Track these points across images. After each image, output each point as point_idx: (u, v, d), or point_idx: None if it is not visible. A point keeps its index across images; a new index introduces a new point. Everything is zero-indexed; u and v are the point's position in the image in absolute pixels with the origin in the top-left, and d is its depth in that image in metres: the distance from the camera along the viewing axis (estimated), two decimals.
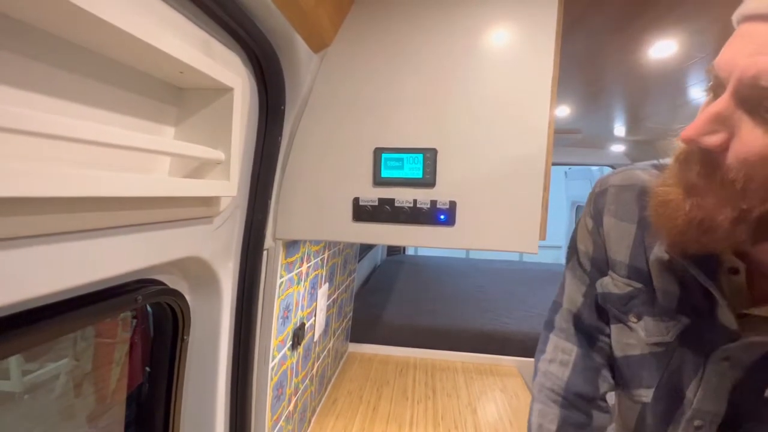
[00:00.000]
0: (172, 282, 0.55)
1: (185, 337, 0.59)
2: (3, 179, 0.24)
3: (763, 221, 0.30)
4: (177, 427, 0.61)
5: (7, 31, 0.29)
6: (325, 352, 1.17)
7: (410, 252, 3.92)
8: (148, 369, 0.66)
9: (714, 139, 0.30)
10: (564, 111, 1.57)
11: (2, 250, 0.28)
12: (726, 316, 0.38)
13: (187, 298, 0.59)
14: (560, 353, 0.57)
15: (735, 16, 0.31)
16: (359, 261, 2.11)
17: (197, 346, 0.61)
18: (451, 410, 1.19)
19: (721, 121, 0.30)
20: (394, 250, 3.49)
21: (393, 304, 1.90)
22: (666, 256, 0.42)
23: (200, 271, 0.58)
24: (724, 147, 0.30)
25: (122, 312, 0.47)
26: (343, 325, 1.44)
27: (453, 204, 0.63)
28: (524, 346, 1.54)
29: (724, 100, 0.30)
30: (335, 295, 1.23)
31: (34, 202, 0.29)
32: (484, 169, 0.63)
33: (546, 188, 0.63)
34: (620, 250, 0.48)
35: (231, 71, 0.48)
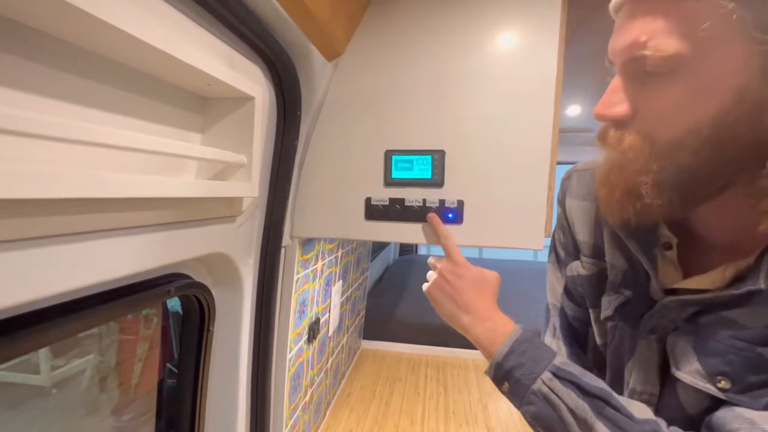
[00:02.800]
0: (199, 276, 0.60)
1: (211, 328, 0.64)
2: (61, 182, 0.29)
3: (684, 184, 0.32)
4: (203, 412, 0.66)
5: (60, 54, 0.33)
6: (339, 348, 1.21)
7: (422, 251, 3.93)
8: (176, 359, 0.70)
9: (617, 110, 0.34)
10: (575, 110, 1.57)
11: (69, 243, 0.33)
12: (655, 289, 0.39)
13: (213, 291, 0.63)
14: None
15: (611, 12, 0.35)
16: (372, 261, 2.15)
17: (221, 336, 0.65)
18: (462, 406, 1.21)
19: (619, 94, 0.34)
20: (406, 250, 3.52)
21: (405, 302, 1.93)
22: (612, 232, 0.43)
23: (224, 266, 0.62)
24: (629, 116, 0.33)
25: (158, 301, 0.52)
26: (356, 322, 1.48)
27: (461, 203, 0.66)
28: None
29: (618, 76, 0.34)
30: (348, 293, 1.26)
31: (82, 202, 0.34)
32: (491, 168, 0.65)
33: (551, 186, 0.65)
34: (584, 230, 0.48)
35: (252, 81, 0.52)
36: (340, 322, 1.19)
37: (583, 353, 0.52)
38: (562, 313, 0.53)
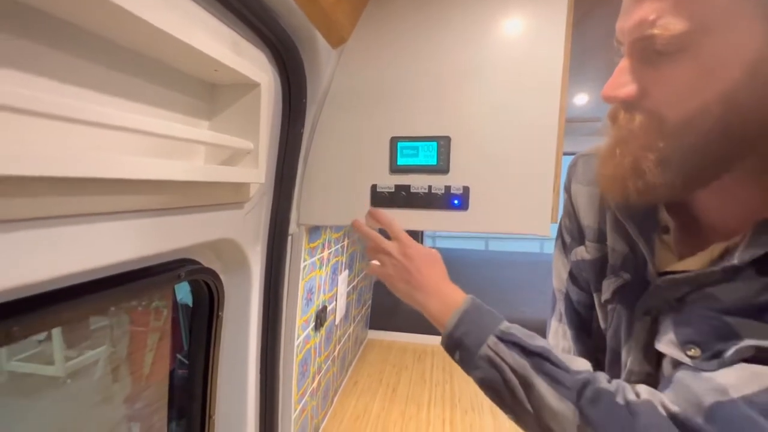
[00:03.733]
0: (208, 263, 0.61)
1: (220, 314, 0.65)
2: (74, 162, 0.29)
3: (690, 164, 0.32)
4: (214, 396, 0.68)
5: (72, 39, 0.34)
6: (345, 336, 1.22)
7: (428, 244, 3.94)
8: (186, 350, 0.72)
9: (625, 91, 0.33)
10: (582, 99, 1.55)
11: (81, 224, 0.34)
12: (651, 272, 0.39)
13: (222, 278, 0.64)
14: (561, 339, 0.57)
15: None
16: None
17: (230, 322, 0.66)
18: (468, 393, 1.22)
19: (627, 75, 0.34)
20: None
21: None
22: (615, 216, 0.43)
23: (232, 253, 0.63)
24: (637, 97, 0.33)
25: (169, 285, 0.53)
26: (363, 312, 1.49)
27: (466, 189, 0.66)
28: (541, 334, 1.55)
29: (626, 57, 0.34)
30: (355, 282, 1.27)
31: (94, 183, 0.34)
32: (497, 155, 0.65)
33: (557, 174, 0.64)
34: (588, 215, 0.48)
35: (258, 68, 0.52)
36: (347, 311, 1.20)
37: (588, 337, 0.52)
38: (567, 298, 0.54)
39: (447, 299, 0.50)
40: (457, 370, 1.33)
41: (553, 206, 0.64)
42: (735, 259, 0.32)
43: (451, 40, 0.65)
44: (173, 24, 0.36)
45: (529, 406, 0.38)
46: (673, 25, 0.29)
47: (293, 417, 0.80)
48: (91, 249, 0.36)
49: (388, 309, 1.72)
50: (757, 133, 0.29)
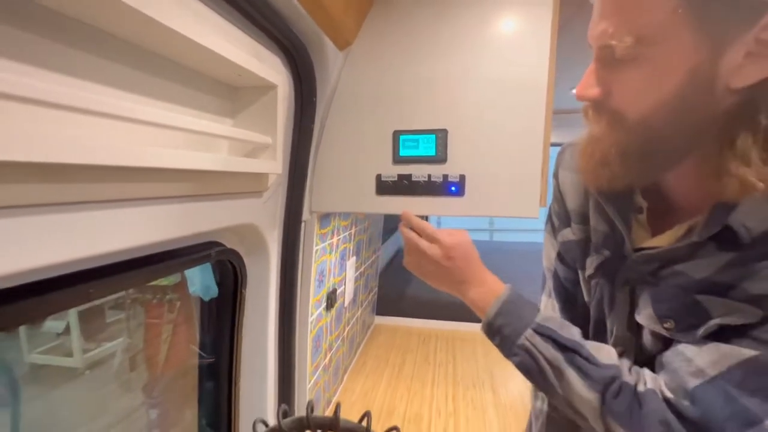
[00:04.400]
0: (232, 245, 0.69)
1: (243, 291, 0.73)
2: (126, 153, 0.36)
3: (647, 154, 0.37)
4: (239, 364, 0.76)
5: (120, 50, 0.41)
6: (354, 320, 1.30)
7: None
8: (199, 341, 0.79)
9: (592, 92, 0.38)
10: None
11: (125, 208, 0.41)
12: (628, 248, 0.43)
13: (244, 259, 0.72)
14: (550, 312, 0.61)
15: None
16: (384, 243, 2.23)
17: (252, 298, 0.74)
18: (470, 372, 1.29)
19: (594, 77, 0.38)
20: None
21: (417, 280, 2.01)
22: (596, 199, 0.48)
23: (253, 237, 0.71)
24: (603, 97, 0.38)
25: (202, 262, 0.60)
26: (369, 297, 1.57)
27: (462, 177, 0.73)
28: None
29: (593, 62, 0.38)
30: (362, 269, 1.35)
31: (136, 171, 0.41)
32: (490, 145, 0.72)
33: (545, 162, 0.71)
34: (574, 199, 0.53)
35: (274, 71, 0.59)
36: (355, 296, 1.28)
37: (574, 309, 0.57)
38: (556, 275, 0.59)
39: (487, 288, 0.53)
40: (460, 352, 1.40)
41: (541, 191, 0.71)
42: (695, 236, 0.36)
43: (447, 43, 0.72)
44: (204, 36, 0.43)
45: (560, 391, 0.43)
46: (625, 37, 0.33)
47: (308, 387, 0.89)
48: (141, 229, 0.44)
49: (393, 296, 1.80)
50: (702, 127, 0.34)
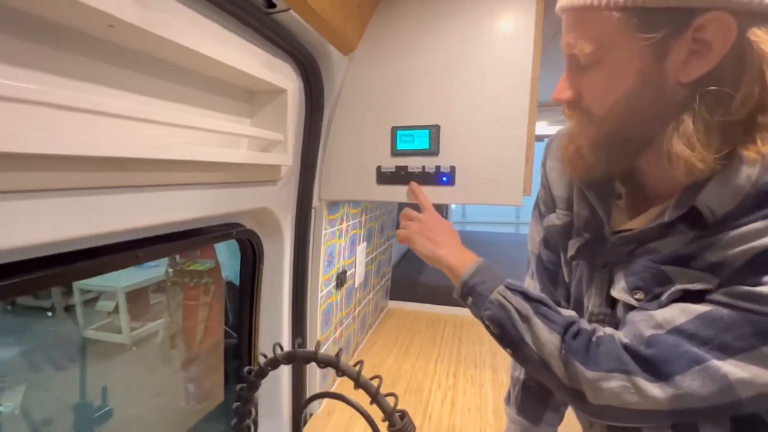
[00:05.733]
0: (251, 227, 0.80)
1: (260, 267, 0.85)
2: (168, 150, 0.47)
3: (612, 145, 0.42)
4: (257, 332, 0.88)
5: (162, 68, 0.53)
6: (365, 301, 1.41)
7: (458, 229, 4.04)
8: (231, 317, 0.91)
9: (566, 94, 0.44)
10: None
11: (171, 191, 0.53)
12: (607, 232, 0.47)
13: (262, 240, 0.84)
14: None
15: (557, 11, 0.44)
16: None
17: (268, 273, 0.86)
18: (473, 353, 1.37)
19: (568, 81, 0.44)
20: None
21: (431, 268, 2.10)
22: (579, 186, 0.52)
23: (269, 220, 0.82)
24: (575, 99, 0.43)
25: (226, 239, 0.73)
26: (382, 282, 1.67)
27: (453, 168, 0.81)
28: None
29: (566, 68, 0.44)
30: (373, 254, 1.45)
31: (178, 164, 0.53)
32: (478, 139, 0.79)
33: (529, 154, 0.77)
34: (560, 187, 0.57)
35: (285, 77, 0.70)
36: (366, 279, 1.39)
37: (555, 290, 0.63)
38: (539, 258, 0.65)
39: (464, 256, 0.59)
40: (467, 335, 1.49)
41: (525, 181, 0.78)
42: (666, 217, 0.40)
43: (440, 47, 0.79)
44: (226, 55, 0.54)
45: (526, 338, 0.47)
46: (584, 47, 0.39)
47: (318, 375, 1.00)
48: (179, 206, 0.55)
49: (407, 283, 1.90)
50: (659, 118, 0.38)
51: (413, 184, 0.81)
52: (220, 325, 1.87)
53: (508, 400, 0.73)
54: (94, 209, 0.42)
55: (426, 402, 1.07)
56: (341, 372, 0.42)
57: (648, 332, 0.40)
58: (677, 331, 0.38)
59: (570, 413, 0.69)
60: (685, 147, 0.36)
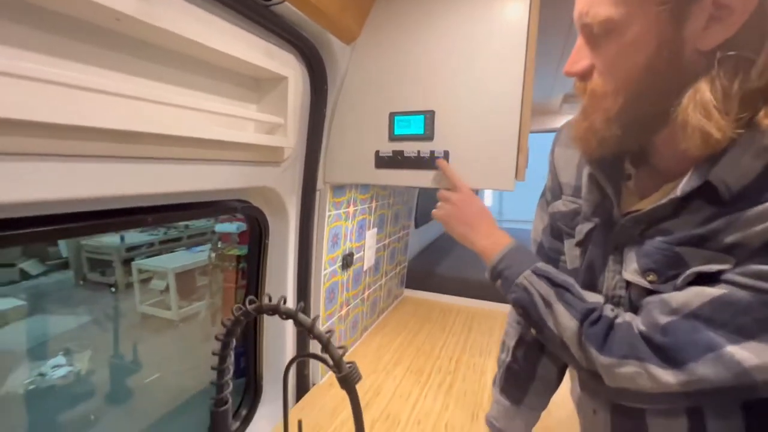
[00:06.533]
0: (258, 204, 0.88)
1: (266, 241, 0.92)
2: (187, 129, 0.55)
3: (627, 119, 0.40)
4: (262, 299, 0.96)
5: (179, 60, 0.60)
6: (376, 285, 1.46)
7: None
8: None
9: (579, 66, 0.43)
10: None
11: (190, 165, 0.61)
12: (617, 214, 0.47)
13: (268, 219, 0.91)
14: None
15: None
16: (422, 225, 2.36)
17: (274, 247, 0.94)
18: (480, 342, 1.37)
19: (580, 53, 0.43)
20: None
21: (451, 261, 2.10)
22: (589, 170, 0.51)
23: (275, 200, 0.89)
24: (588, 69, 0.42)
25: (233, 213, 0.81)
26: (397, 270, 1.71)
27: (446, 153, 0.83)
28: None
29: (579, 38, 0.43)
30: (386, 242, 1.49)
31: (195, 141, 0.60)
32: (471, 125, 0.80)
33: (522, 142, 0.77)
34: (567, 173, 0.57)
35: (286, 66, 0.76)
36: (377, 264, 1.43)
37: None
38: (540, 245, 0.65)
39: (497, 240, 0.60)
40: (477, 326, 1.50)
41: (517, 166, 0.78)
42: (678, 192, 0.38)
43: (436, 37, 0.81)
44: (234, 47, 0.61)
45: (548, 322, 0.48)
46: (599, 14, 0.38)
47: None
48: (194, 178, 0.63)
49: (423, 273, 1.92)
50: (677, 89, 0.36)
51: (441, 161, 0.81)
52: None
53: (494, 382, 0.75)
54: (120, 173, 0.52)
55: (424, 383, 1.10)
56: (298, 324, 0.47)
57: (663, 319, 0.39)
58: (693, 315, 0.37)
59: (568, 402, 0.70)
60: (702, 116, 0.34)
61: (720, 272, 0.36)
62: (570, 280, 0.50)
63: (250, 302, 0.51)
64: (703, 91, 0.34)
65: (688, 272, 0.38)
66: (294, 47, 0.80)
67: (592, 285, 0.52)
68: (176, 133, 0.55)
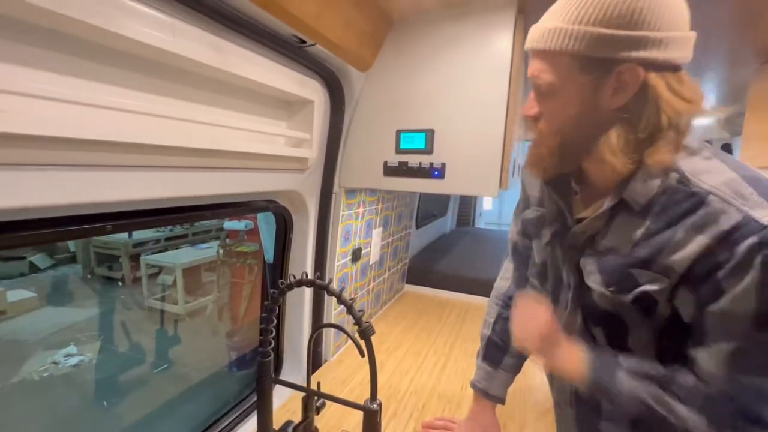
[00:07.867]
0: (284, 204, 1.05)
1: (290, 235, 1.09)
2: (234, 142, 0.72)
3: (562, 152, 0.54)
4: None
5: (223, 86, 0.77)
6: (380, 279, 1.63)
7: (480, 226, 4.14)
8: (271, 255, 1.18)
9: (531, 111, 0.56)
10: None
11: (235, 173, 0.78)
12: (570, 221, 0.59)
13: (292, 216, 1.08)
14: (506, 272, 0.87)
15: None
16: (425, 225, 2.53)
17: (296, 241, 1.10)
18: (473, 331, 1.54)
19: (532, 102, 0.56)
20: (463, 222, 3.79)
21: (448, 259, 2.27)
22: (546, 186, 0.63)
23: (298, 200, 1.06)
24: (537, 115, 0.55)
25: (264, 211, 0.98)
26: (399, 266, 1.88)
27: (443, 164, 0.99)
28: None
29: (532, 91, 0.56)
30: (389, 239, 1.66)
31: (238, 154, 0.77)
32: (464, 142, 0.97)
33: (505, 156, 0.94)
34: (533, 188, 0.71)
35: (313, 91, 0.92)
36: (382, 260, 1.60)
37: (525, 269, 0.79)
38: (515, 245, 0.80)
39: (574, 355, 0.58)
40: (470, 318, 1.68)
41: (501, 176, 0.95)
42: (604, 206, 0.52)
43: (437, 68, 0.98)
44: (277, 80, 0.77)
45: (671, 418, 0.50)
46: (545, 79, 0.51)
47: (333, 314, 1.24)
48: (238, 183, 0.80)
49: (423, 269, 2.09)
50: (596, 132, 0.51)
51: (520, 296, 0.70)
52: (261, 302, 2.15)
53: (478, 354, 0.91)
54: (175, 180, 0.68)
55: (421, 363, 1.27)
56: (329, 292, 0.63)
57: (764, 411, 0.45)
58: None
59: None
60: (611, 155, 0.49)
61: (661, 290, 0.48)
62: (662, 370, 0.52)
63: (288, 280, 0.67)
64: (612, 137, 0.49)
65: (638, 290, 0.50)
66: (319, 76, 0.97)
67: (558, 275, 0.64)
68: (227, 148, 0.72)
